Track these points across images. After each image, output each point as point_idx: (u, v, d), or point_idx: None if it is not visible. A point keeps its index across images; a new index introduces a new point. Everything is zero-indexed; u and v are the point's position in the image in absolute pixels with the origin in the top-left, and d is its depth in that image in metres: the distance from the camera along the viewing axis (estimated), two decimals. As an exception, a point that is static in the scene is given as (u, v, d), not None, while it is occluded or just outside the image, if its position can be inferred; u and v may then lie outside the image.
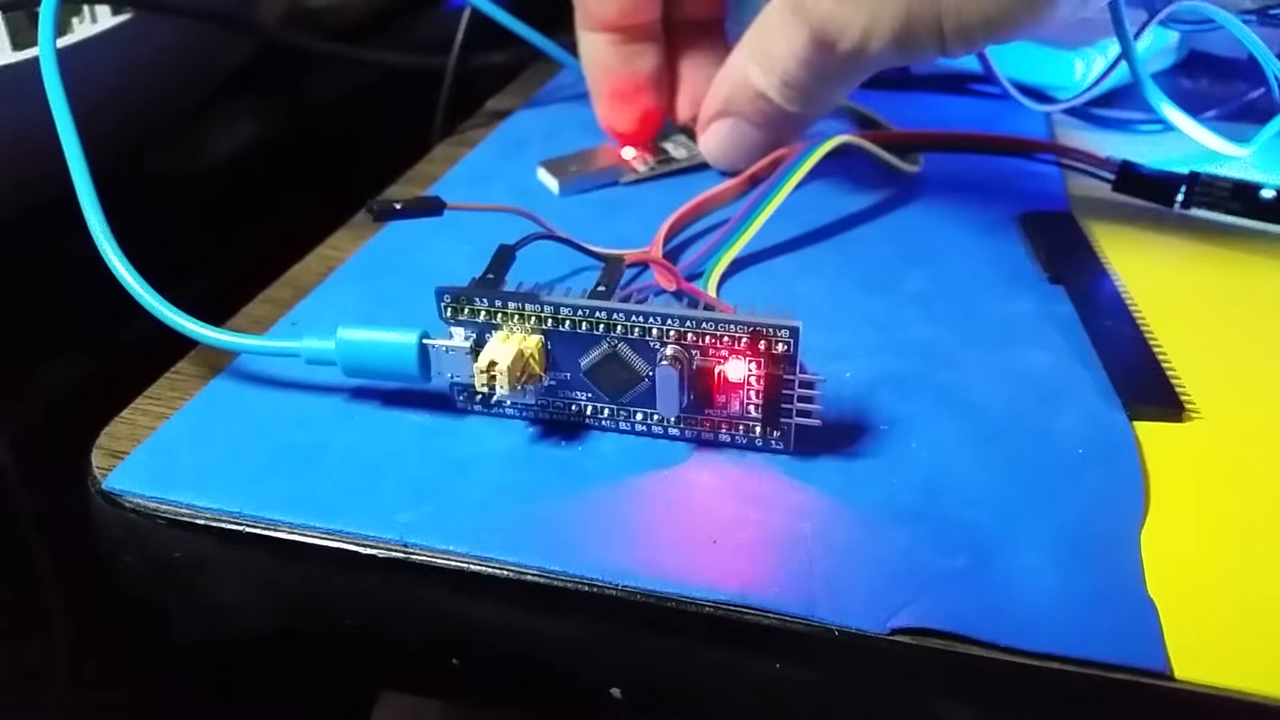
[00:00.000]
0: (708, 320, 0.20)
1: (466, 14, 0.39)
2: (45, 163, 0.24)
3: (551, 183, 0.32)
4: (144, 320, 0.22)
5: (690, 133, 0.34)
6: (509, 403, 0.22)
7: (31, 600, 0.28)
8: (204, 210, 0.38)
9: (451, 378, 0.21)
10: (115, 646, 0.28)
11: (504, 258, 0.23)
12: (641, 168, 0.33)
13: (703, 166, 0.33)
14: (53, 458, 0.24)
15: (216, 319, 0.24)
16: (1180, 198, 0.30)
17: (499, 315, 0.21)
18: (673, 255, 0.28)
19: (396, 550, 0.19)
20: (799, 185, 0.28)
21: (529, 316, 0.21)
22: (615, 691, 0.19)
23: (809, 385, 0.20)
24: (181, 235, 0.37)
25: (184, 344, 0.23)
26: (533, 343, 0.21)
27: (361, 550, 0.19)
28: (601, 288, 0.22)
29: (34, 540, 0.28)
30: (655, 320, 0.20)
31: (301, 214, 0.32)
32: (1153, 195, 0.31)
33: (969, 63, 0.38)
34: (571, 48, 0.34)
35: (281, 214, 0.39)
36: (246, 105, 0.41)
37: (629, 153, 0.33)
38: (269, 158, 0.41)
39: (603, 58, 0.32)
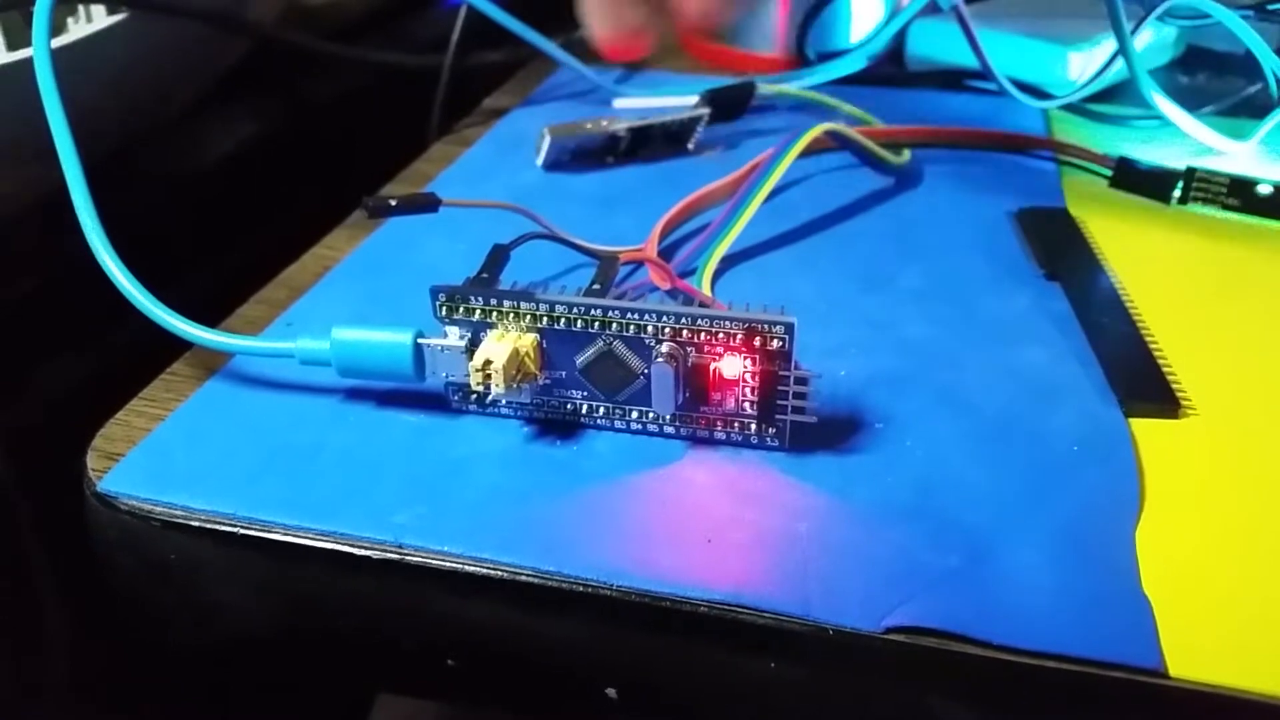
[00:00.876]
0: (703, 317, 0.20)
1: (463, 13, 0.39)
2: (42, 163, 0.24)
3: (544, 145, 0.33)
4: (142, 320, 0.22)
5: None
6: (504, 402, 0.22)
7: (30, 601, 0.28)
8: (201, 210, 0.38)
9: (447, 377, 0.21)
10: (113, 648, 0.28)
11: (499, 256, 0.22)
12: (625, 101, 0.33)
13: (687, 123, 0.33)
14: (51, 459, 0.24)
15: (214, 318, 0.24)
16: (1177, 193, 0.30)
17: (494, 314, 0.21)
18: (666, 253, 0.28)
19: (392, 551, 0.19)
20: (795, 183, 0.28)
21: (524, 315, 0.21)
22: (610, 691, 0.19)
23: (804, 382, 0.20)
24: (179, 235, 0.37)
25: (181, 345, 0.23)
26: (528, 341, 0.21)
27: (357, 551, 0.19)
28: (596, 286, 0.22)
29: (32, 542, 0.28)
30: (650, 317, 0.20)
31: (299, 213, 0.32)
32: (1149, 191, 0.31)
33: (966, 59, 0.38)
34: (568, 47, 0.34)
35: (278, 213, 0.39)
36: (243, 105, 0.41)
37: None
38: (266, 157, 0.41)
39: None
